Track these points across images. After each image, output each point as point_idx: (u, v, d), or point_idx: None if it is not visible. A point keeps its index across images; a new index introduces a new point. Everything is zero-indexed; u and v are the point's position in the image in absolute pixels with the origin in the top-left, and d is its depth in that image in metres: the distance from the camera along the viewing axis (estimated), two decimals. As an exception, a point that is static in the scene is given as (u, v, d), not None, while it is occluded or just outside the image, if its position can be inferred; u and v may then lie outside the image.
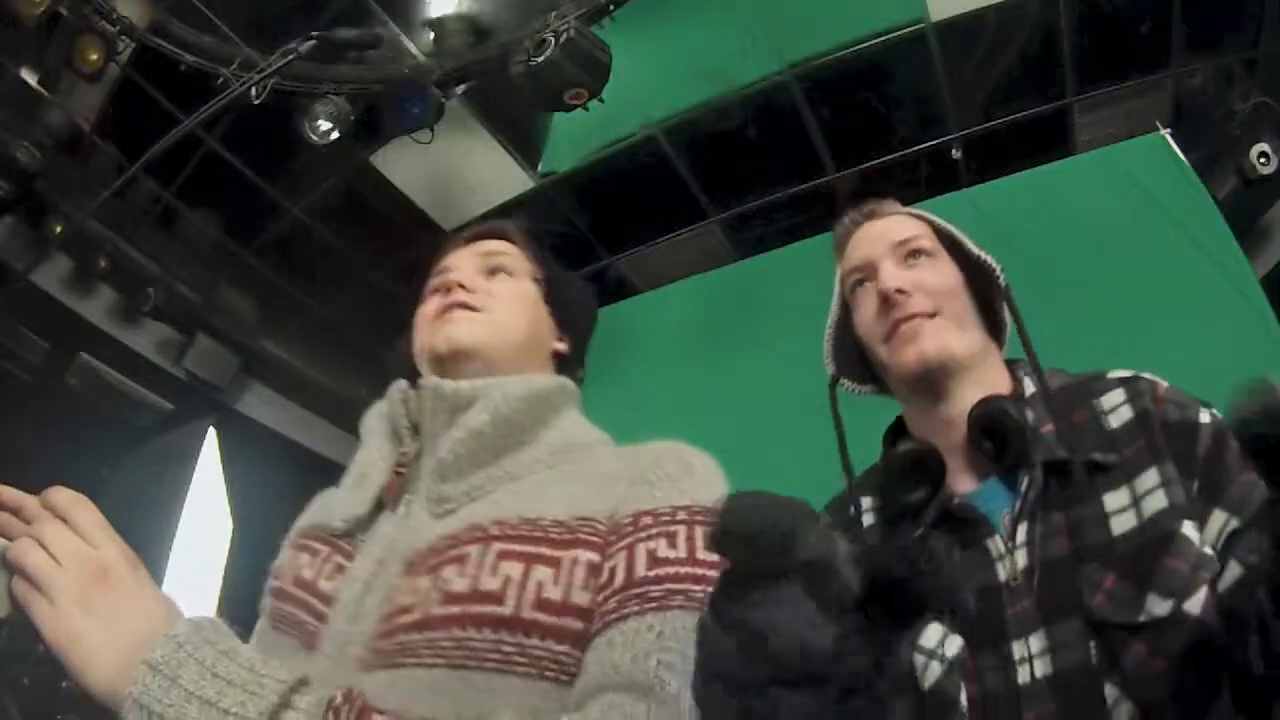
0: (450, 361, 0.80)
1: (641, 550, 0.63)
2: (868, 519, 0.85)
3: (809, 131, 3.56)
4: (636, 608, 0.60)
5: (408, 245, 4.09)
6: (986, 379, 0.83)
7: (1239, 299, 2.09)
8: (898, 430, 0.91)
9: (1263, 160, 3.17)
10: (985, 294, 0.88)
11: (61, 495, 0.59)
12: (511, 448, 0.75)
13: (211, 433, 3.83)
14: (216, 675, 0.52)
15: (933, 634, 0.73)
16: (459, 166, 3.65)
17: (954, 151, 3.55)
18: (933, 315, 0.82)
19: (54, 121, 3.14)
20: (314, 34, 2.11)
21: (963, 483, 0.81)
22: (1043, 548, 0.72)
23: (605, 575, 0.63)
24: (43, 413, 3.45)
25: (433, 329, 0.83)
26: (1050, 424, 0.78)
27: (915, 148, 3.54)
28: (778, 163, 3.73)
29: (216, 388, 4.07)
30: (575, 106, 2.50)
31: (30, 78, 3.08)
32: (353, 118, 2.73)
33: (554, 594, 0.63)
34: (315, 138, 2.72)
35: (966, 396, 0.81)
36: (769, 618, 0.47)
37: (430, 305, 0.86)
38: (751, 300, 2.95)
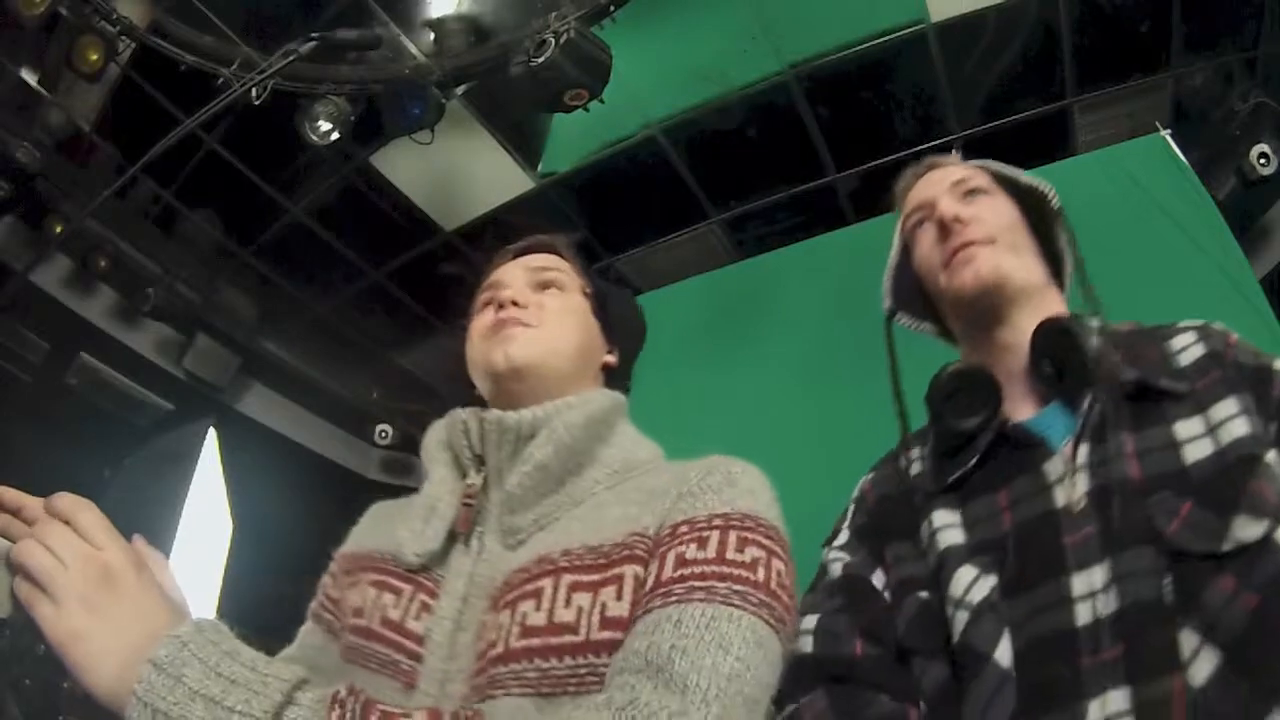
0: (508, 380, 0.83)
1: (672, 555, 0.66)
2: (916, 467, 0.83)
3: (809, 131, 3.56)
4: (660, 603, 0.63)
5: (408, 245, 4.09)
6: (1045, 309, 0.81)
7: (1239, 299, 2.09)
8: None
9: (1263, 160, 3.17)
10: (1045, 232, 0.88)
11: (65, 499, 0.59)
12: (573, 471, 0.78)
13: (211, 433, 3.83)
14: (220, 674, 0.52)
15: (963, 577, 0.68)
16: (459, 166, 3.65)
17: (954, 151, 3.54)
18: (990, 242, 0.82)
19: (54, 121, 3.14)
20: (315, 35, 2.11)
21: (1021, 410, 0.77)
22: (1108, 469, 0.66)
23: (647, 578, 0.66)
24: (43, 413, 3.45)
25: (489, 346, 0.85)
26: (1117, 352, 0.73)
27: (915, 148, 3.54)
28: (778, 163, 3.73)
29: (216, 388, 4.07)
30: (575, 107, 2.50)
31: (30, 78, 3.08)
32: (353, 118, 2.73)
33: (618, 610, 0.66)
34: (315, 138, 2.72)
35: (1026, 323, 0.79)
36: None
37: (484, 320, 0.87)
38: (751, 300, 2.95)
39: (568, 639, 0.65)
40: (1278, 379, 0.69)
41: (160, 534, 3.65)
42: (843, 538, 0.86)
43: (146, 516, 3.50)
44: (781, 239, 3.56)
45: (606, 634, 0.64)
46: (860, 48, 3.23)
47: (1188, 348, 0.74)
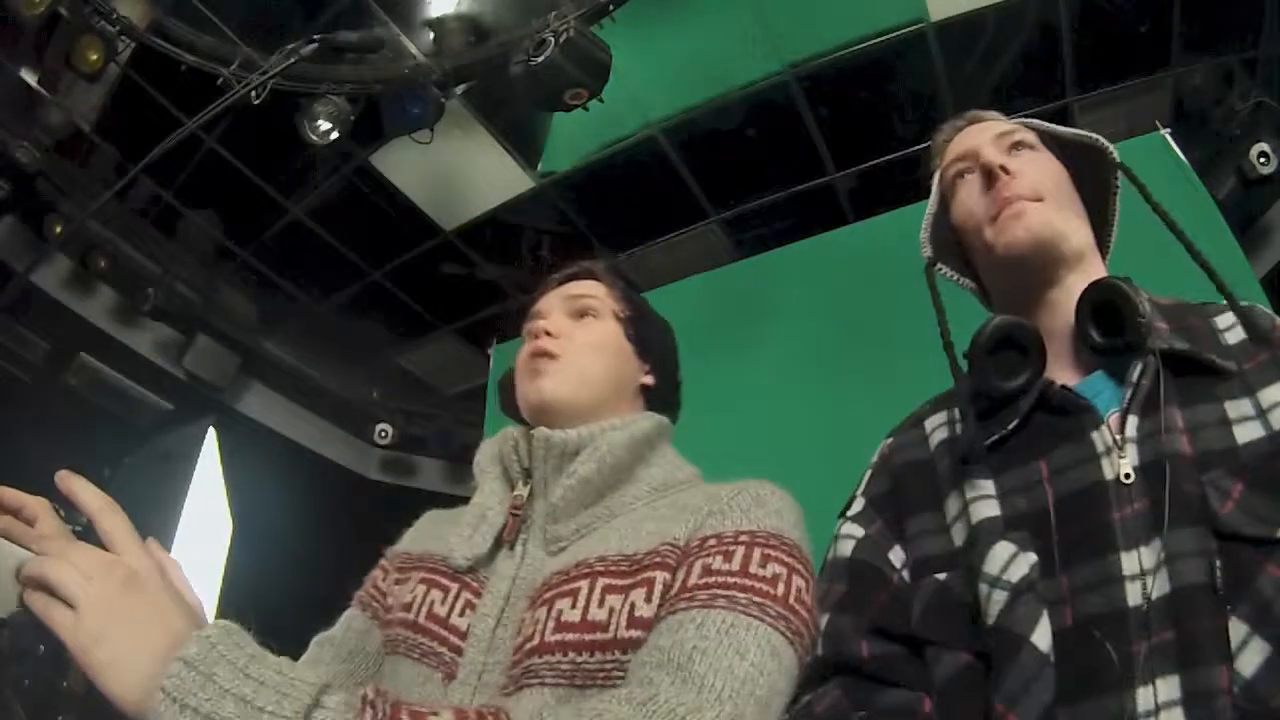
0: (542, 413, 0.89)
1: (699, 565, 0.70)
2: (942, 434, 0.79)
3: (809, 131, 3.56)
4: (684, 605, 0.67)
5: (408, 245, 4.09)
6: (1094, 273, 0.79)
7: (1239, 299, 2.09)
8: None
9: (1263, 160, 3.17)
10: (1091, 194, 0.85)
11: (91, 498, 0.60)
12: (614, 486, 0.84)
13: (211, 433, 3.83)
14: (249, 676, 0.53)
15: (999, 554, 0.63)
16: (459, 166, 3.65)
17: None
18: (1038, 199, 0.79)
19: (54, 121, 3.14)
20: (316, 36, 2.11)
21: (1064, 376, 0.74)
22: (1159, 443, 0.62)
23: (674, 585, 0.70)
24: (43, 413, 3.45)
25: (523, 379, 0.92)
26: (1164, 322, 0.70)
27: (915, 148, 3.54)
28: (778, 163, 3.73)
29: (216, 388, 4.07)
30: (575, 106, 2.50)
31: (30, 78, 3.08)
32: (353, 118, 2.73)
33: (645, 611, 0.70)
34: (315, 138, 2.72)
35: (1073, 284, 0.76)
36: None
37: (524, 351, 0.94)
38: (751, 300, 2.95)
39: (599, 635, 0.70)
40: None
41: (160, 534, 3.64)
42: (857, 506, 0.83)
43: (146, 516, 3.50)
44: (781, 239, 3.56)
45: (633, 633, 0.69)
46: (860, 47, 3.23)
47: (1233, 327, 0.72)
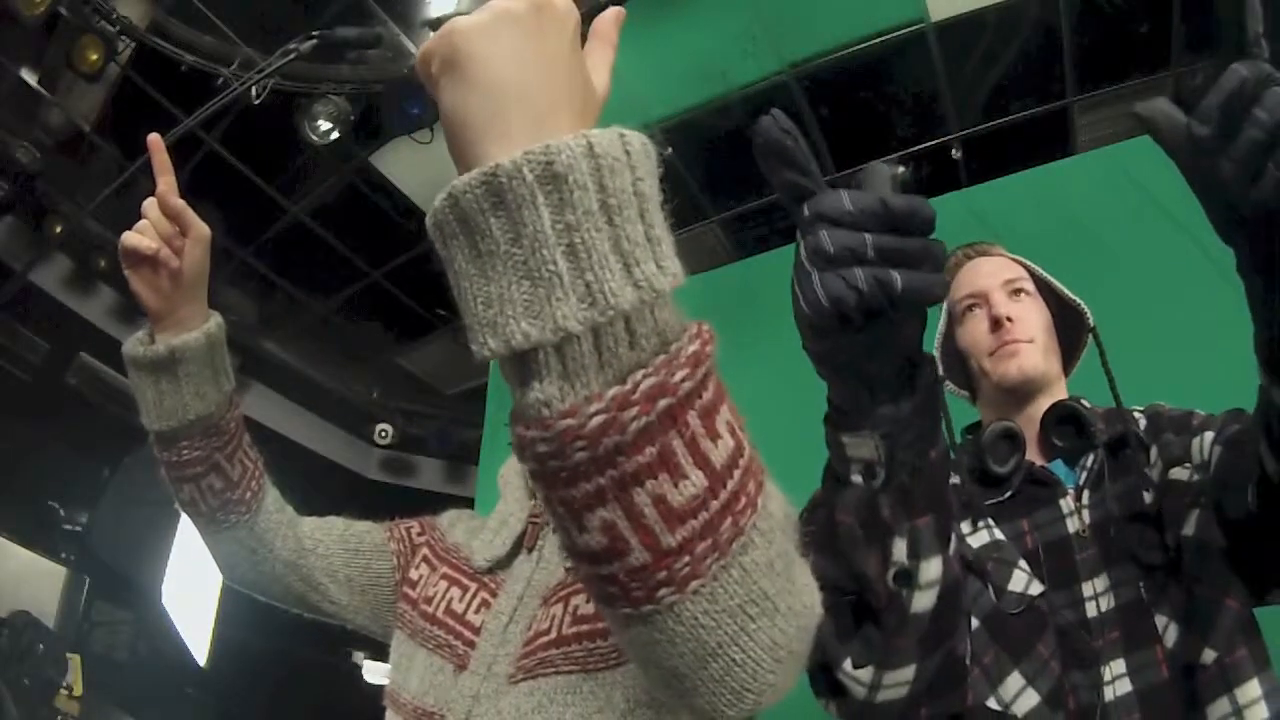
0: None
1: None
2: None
3: (809, 131, 3.56)
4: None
5: (408, 245, 4.09)
6: (1057, 394, 1.06)
7: (1238, 298, 2.09)
8: (975, 430, 1.12)
9: (1263, 160, 3.17)
10: (1066, 334, 1.10)
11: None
12: None
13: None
14: None
15: (1020, 577, 0.90)
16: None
17: (954, 151, 3.55)
18: (1030, 342, 1.03)
19: (54, 121, 3.14)
20: (315, 32, 2.11)
21: (1035, 460, 1.03)
22: (1105, 508, 0.92)
23: None
24: (43, 413, 3.45)
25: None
26: (1102, 424, 1.00)
27: (915, 148, 3.54)
28: (778, 163, 3.73)
29: (216, 388, 4.07)
30: (575, 106, 2.50)
31: (30, 78, 3.08)
32: (353, 118, 2.73)
33: None
34: (315, 138, 2.73)
35: (1043, 402, 1.04)
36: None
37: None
38: (751, 300, 2.95)
39: None
40: (1190, 420, 0.96)
41: (160, 534, 3.65)
42: None
43: (146, 516, 3.50)
44: (781, 239, 3.57)
45: None
46: (860, 48, 3.23)
47: (1141, 415, 1.01)
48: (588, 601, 0.77)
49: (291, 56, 2.10)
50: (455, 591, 0.89)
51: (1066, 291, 1.11)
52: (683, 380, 0.37)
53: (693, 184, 3.78)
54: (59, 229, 3.29)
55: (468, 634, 0.84)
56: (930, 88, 3.40)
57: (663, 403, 0.36)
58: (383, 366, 4.82)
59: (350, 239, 4.09)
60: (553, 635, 0.77)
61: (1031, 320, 1.05)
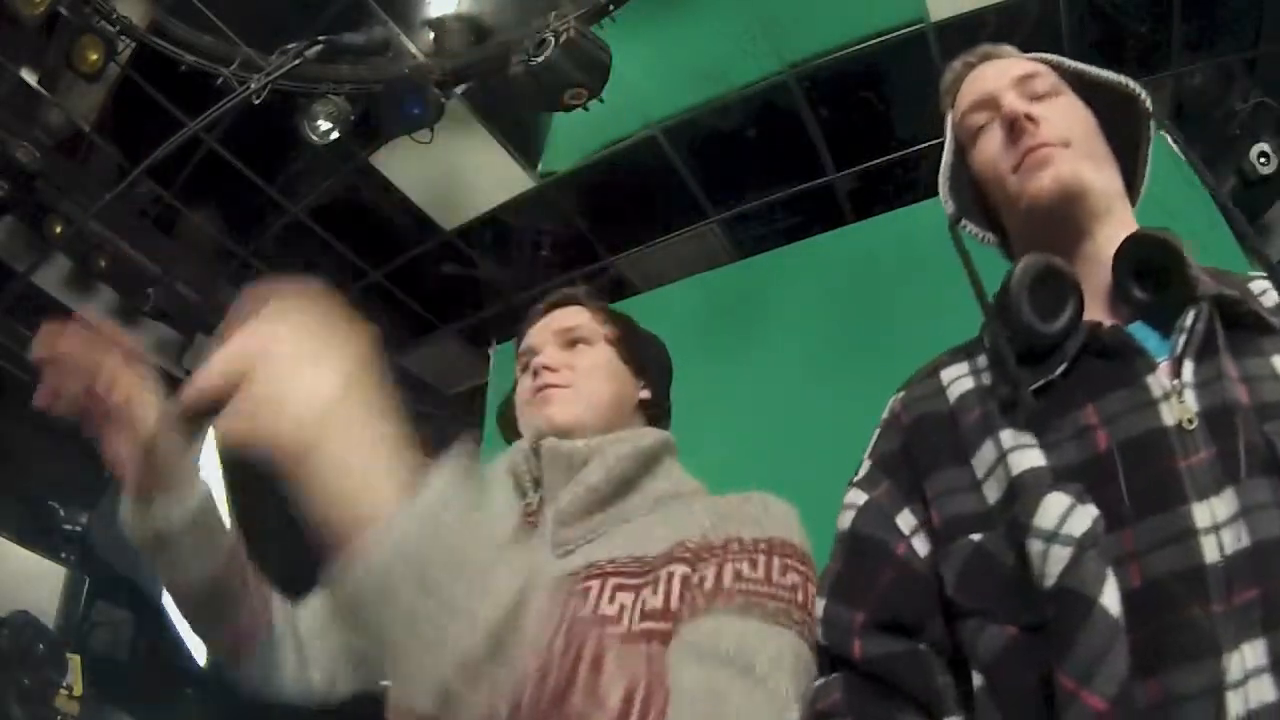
0: (554, 438, 0.92)
1: (729, 568, 0.72)
2: (966, 384, 0.73)
3: (809, 131, 3.56)
4: (722, 606, 0.69)
5: (408, 245, 4.09)
6: (1126, 224, 0.74)
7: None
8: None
9: (1263, 160, 3.17)
10: (1121, 139, 0.79)
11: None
12: (621, 496, 0.86)
13: (212, 433, 3.82)
14: None
15: (1052, 506, 0.57)
16: (459, 166, 3.65)
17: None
18: (1066, 145, 0.73)
19: (54, 121, 3.14)
20: (322, 37, 2.11)
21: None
22: (1222, 388, 0.58)
23: (697, 579, 0.72)
24: (43, 413, 3.44)
25: (532, 412, 0.94)
26: (1208, 277, 0.66)
27: (915, 148, 3.54)
28: (777, 163, 3.73)
29: (216, 388, 4.07)
30: (575, 106, 2.50)
31: (30, 78, 3.08)
32: (353, 118, 2.73)
33: (655, 603, 0.72)
34: (315, 138, 2.73)
35: (1106, 235, 0.72)
36: None
37: (524, 387, 0.97)
38: (751, 300, 2.94)
39: (609, 629, 0.71)
40: None
41: (160, 534, 3.64)
42: (861, 471, 0.76)
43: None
44: (781, 239, 3.57)
45: (646, 624, 0.71)
46: (860, 48, 3.23)
47: (1267, 291, 0.68)
48: (584, 603, 0.75)
49: (297, 61, 2.10)
50: None
51: (1107, 75, 0.79)
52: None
53: (693, 184, 3.78)
54: (59, 229, 3.28)
55: None
56: (930, 88, 3.39)
57: None
58: (383, 366, 4.82)
59: (350, 239, 4.09)
60: None
61: (1062, 120, 0.75)
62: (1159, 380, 0.60)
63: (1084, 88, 0.79)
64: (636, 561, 0.77)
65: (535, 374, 0.95)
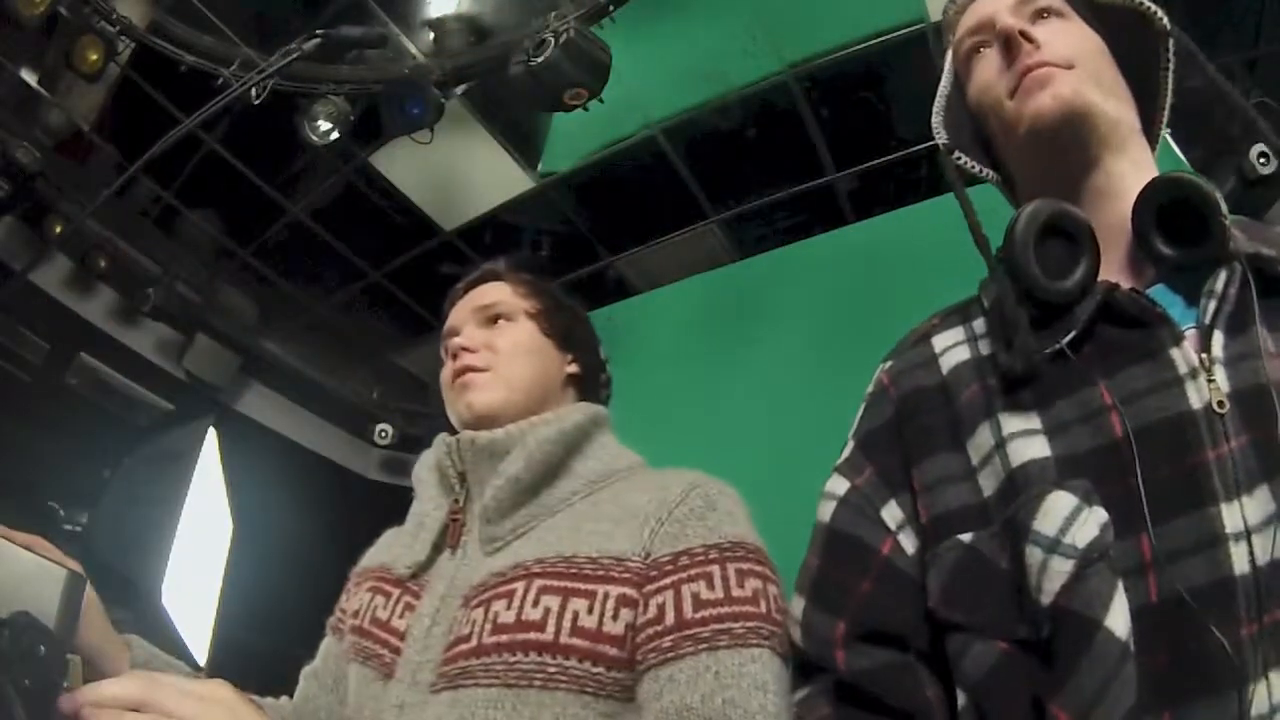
0: (475, 425, 0.88)
1: (686, 593, 0.70)
2: (960, 354, 0.64)
3: (809, 131, 3.56)
4: (691, 648, 0.67)
5: (408, 245, 4.09)
6: (1140, 161, 0.64)
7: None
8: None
9: (1263, 160, 3.17)
10: (1138, 72, 0.70)
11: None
12: (548, 482, 0.83)
13: (211, 433, 3.83)
14: None
15: (1056, 509, 0.49)
16: (459, 166, 3.65)
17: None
18: (1069, 66, 0.64)
19: (54, 121, 3.13)
20: (318, 31, 2.10)
21: (1120, 282, 0.58)
22: (1258, 365, 0.49)
23: (653, 611, 0.70)
24: (43, 413, 3.44)
25: (453, 397, 0.91)
26: (1241, 231, 0.56)
27: (915, 148, 3.54)
28: (778, 163, 3.73)
29: (216, 388, 4.07)
30: (575, 106, 2.50)
31: (30, 78, 3.08)
32: (353, 118, 2.73)
33: (589, 623, 0.70)
34: (315, 138, 2.72)
35: (1120, 170, 0.63)
36: None
37: (446, 371, 0.94)
38: (751, 300, 2.95)
39: (534, 636, 0.70)
40: None
41: (160, 534, 3.65)
42: (845, 452, 0.70)
43: (146, 516, 3.50)
44: (781, 239, 3.57)
45: (578, 640, 0.70)
46: (860, 48, 3.23)
47: None
48: (509, 608, 0.73)
49: (295, 55, 2.10)
50: (380, 599, 0.85)
51: None
52: None
53: (693, 184, 3.78)
54: (59, 229, 3.28)
55: (394, 640, 0.80)
56: (930, 88, 3.39)
57: None
58: (383, 366, 4.82)
59: (350, 239, 4.09)
60: (473, 643, 0.73)
61: (1064, 41, 0.66)
62: (1185, 354, 0.51)
63: (1094, 18, 0.71)
64: (565, 561, 0.74)
65: (455, 356, 0.92)
